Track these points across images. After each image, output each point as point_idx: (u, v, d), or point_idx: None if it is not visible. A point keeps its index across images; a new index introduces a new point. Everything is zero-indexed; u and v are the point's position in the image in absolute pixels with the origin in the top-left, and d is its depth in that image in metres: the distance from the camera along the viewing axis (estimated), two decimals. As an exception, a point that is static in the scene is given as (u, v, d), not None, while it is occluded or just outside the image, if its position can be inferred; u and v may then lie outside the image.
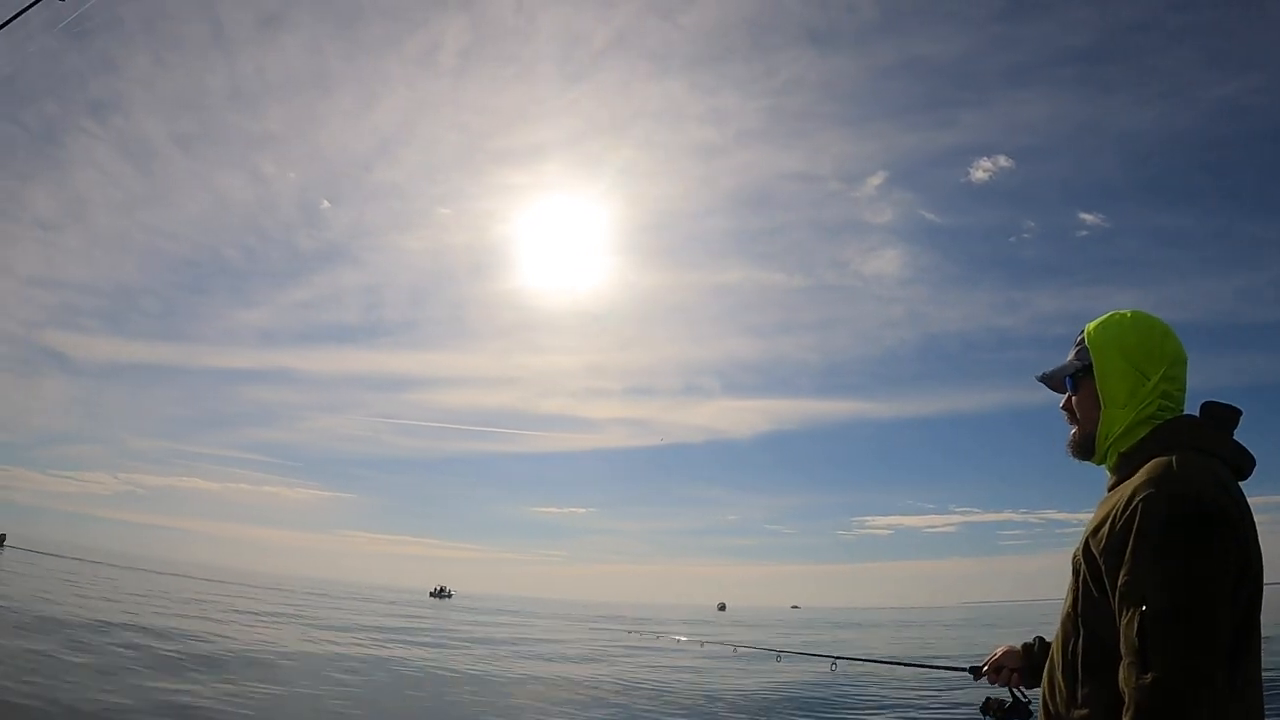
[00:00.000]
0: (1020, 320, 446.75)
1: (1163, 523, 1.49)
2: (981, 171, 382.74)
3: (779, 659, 5.15)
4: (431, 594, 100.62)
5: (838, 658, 4.14)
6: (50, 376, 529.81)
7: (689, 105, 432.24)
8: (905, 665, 4.09)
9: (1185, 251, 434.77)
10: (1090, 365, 1.86)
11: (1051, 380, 1.98)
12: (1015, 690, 2.33)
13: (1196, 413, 1.76)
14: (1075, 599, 1.68)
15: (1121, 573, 1.52)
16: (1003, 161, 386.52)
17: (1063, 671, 1.70)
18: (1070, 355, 1.94)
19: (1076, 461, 1.92)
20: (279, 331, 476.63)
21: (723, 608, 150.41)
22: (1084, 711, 1.62)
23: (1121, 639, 1.50)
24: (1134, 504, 1.55)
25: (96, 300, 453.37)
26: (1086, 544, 1.66)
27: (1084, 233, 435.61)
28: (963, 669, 2.65)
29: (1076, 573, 1.68)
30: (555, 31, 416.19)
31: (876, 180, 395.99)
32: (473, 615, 52.12)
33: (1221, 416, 1.73)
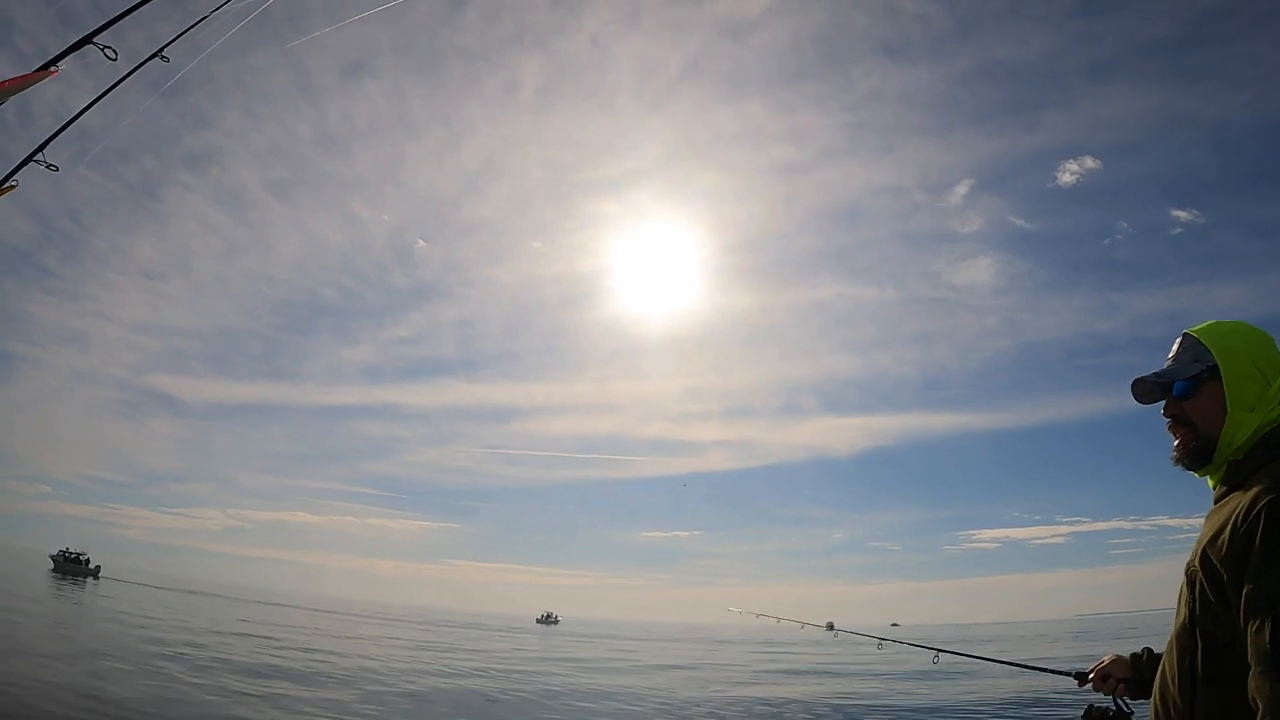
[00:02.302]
0: (1119, 323, 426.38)
1: None
2: (1069, 175, 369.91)
3: (880, 646, 5.02)
4: (538, 620, 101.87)
5: (941, 650, 4.23)
6: (159, 418, 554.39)
7: (768, 125, 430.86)
8: (1010, 664, 3.96)
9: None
10: (1212, 367, 1.79)
11: (1160, 382, 1.87)
12: (1119, 700, 2.32)
13: None
14: (1191, 611, 1.62)
15: (1247, 580, 1.47)
16: (1089, 163, 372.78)
17: (1178, 685, 1.65)
18: (1173, 358, 1.88)
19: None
20: (381, 367, 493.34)
21: (831, 628, 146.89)
22: None
23: (1251, 648, 1.44)
24: (1258, 508, 1.50)
25: (201, 344, 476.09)
26: (1204, 553, 1.60)
27: (1178, 230, 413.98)
28: (1068, 674, 2.65)
29: (1192, 583, 1.62)
30: (630, 63, 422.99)
31: (963, 189, 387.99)
32: (578, 640, 53.75)
33: None
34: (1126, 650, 2.35)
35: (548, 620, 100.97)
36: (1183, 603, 1.68)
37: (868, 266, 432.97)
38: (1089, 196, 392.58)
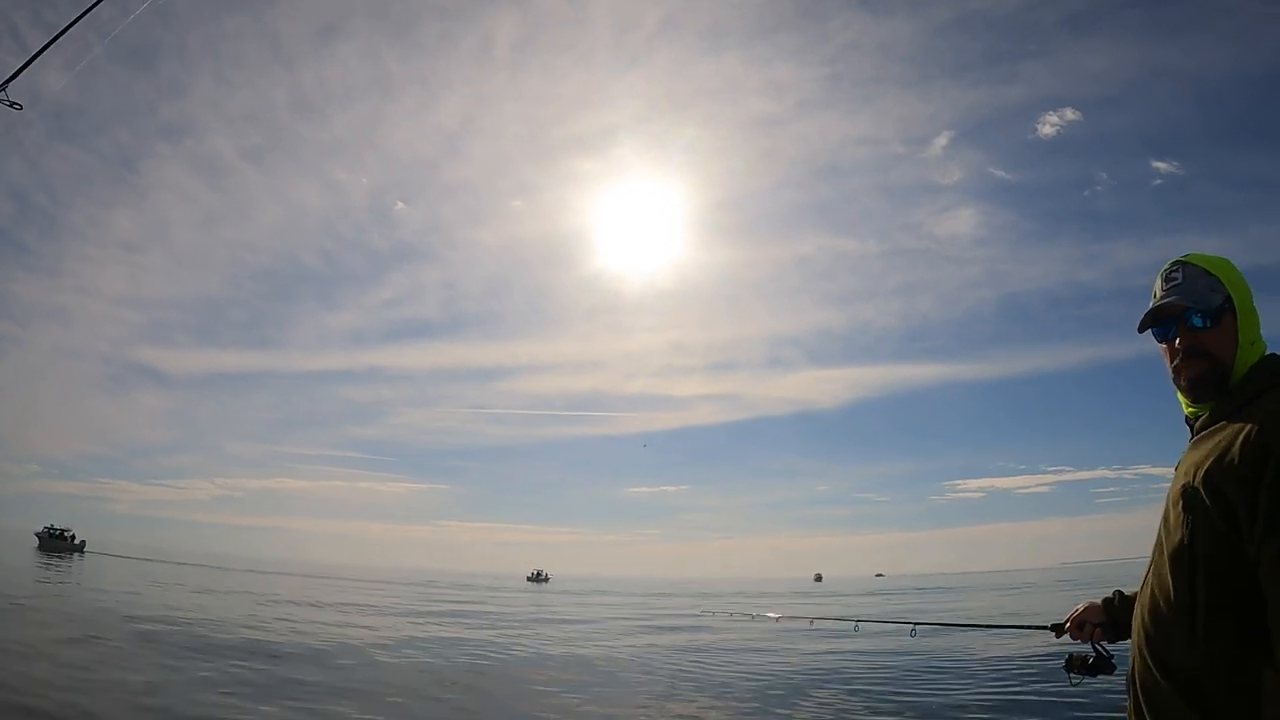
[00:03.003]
0: (1101, 274, 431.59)
1: None
2: (1049, 126, 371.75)
3: (856, 629, 5.00)
4: (529, 579, 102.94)
5: (917, 624, 4.15)
6: (144, 391, 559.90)
7: (746, 79, 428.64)
8: (985, 627, 4.14)
9: (1265, 194, 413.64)
10: (1228, 298, 1.78)
11: (1179, 308, 1.80)
12: (1098, 645, 2.36)
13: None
14: (1190, 533, 1.59)
15: (1265, 500, 1.45)
16: (1070, 114, 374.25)
17: (1173, 607, 1.63)
18: (1181, 287, 1.83)
19: (1182, 407, 1.86)
20: (365, 331, 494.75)
21: (819, 579, 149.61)
22: (1208, 648, 1.55)
23: (1273, 565, 1.43)
24: (1271, 431, 1.50)
25: (184, 315, 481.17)
26: (1207, 475, 1.57)
27: (1159, 181, 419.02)
28: (1044, 627, 2.67)
29: (1191, 506, 1.60)
30: (607, 17, 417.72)
31: (943, 141, 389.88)
32: (570, 597, 53.80)
33: None
34: (1099, 598, 2.37)
35: (538, 578, 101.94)
36: (1176, 526, 1.64)
37: (849, 219, 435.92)
38: (1069, 148, 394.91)
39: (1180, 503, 1.65)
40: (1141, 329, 1.89)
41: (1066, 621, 2.45)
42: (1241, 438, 1.54)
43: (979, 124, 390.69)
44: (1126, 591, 2.26)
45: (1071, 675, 2.45)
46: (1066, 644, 2.45)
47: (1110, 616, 2.31)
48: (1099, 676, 2.41)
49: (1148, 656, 1.71)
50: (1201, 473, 1.60)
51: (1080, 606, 2.41)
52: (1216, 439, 1.64)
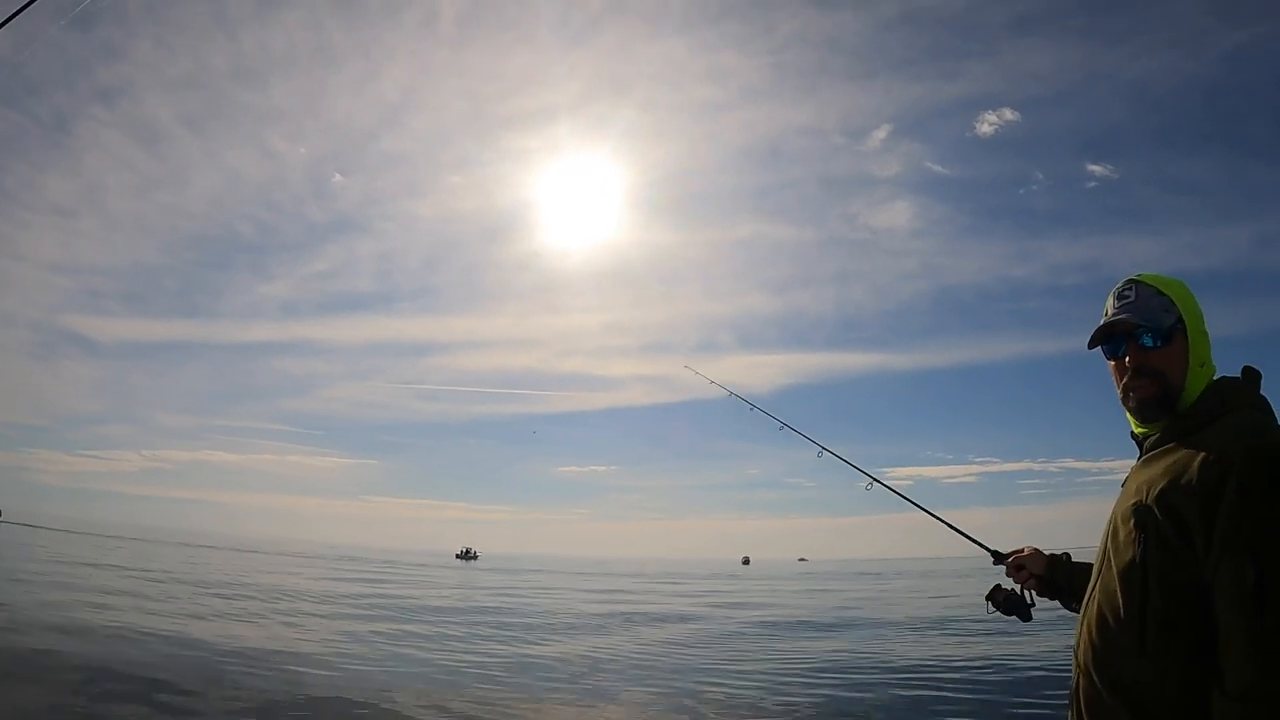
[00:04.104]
0: (1034, 270, 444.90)
1: (1270, 476, 1.48)
2: (987, 125, 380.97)
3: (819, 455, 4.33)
4: (458, 556, 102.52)
5: (874, 479, 3.94)
6: (73, 359, 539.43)
7: (689, 64, 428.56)
8: (939, 519, 3.61)
9: (1198, 199, 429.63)
10: (1180, 319, 1.79)
11: (1129, 326, 1.80)
12: (1026, 591, 2.40)
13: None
14: (1143, 551, 1.60)
15: (1223, 522, 1.48)
16: (1009, 115, 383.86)
17: (1125, 625, 1.63)
18: (1133, 305, 1.82)
19: (1131, 425, 1.87)
20: (298, 303, 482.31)
21: (747, 562, 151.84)
22: (1158, 663, 1.56)
23: (1228, 586, 1.46)
24: (1230, 455, 1.52)
25: (116, 282, 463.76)
26: (1162, 495, 1.59)
27: (1093, 183, 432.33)
28: (988, 550, 2.69)
29: (1143, 524, 1.61)
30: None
31: (882, 134, 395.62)
32: (496, 576, 53.42)
33: (1255, 379, 1.76)
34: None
35: (467, 556, 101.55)
36: (1127, 544, 1.65)
37: (787, 206, 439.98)
38: (1007, 147, 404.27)
39: (1132, 519, 1.65)
40: (1091, 345, 1.87)
41: (1009, 556, 2.48)
42: (1200, 460, 1.56)
43: (919, 119, 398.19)
44: (1075, 559, 2.28)
45: (989, 604, 2.50)
46: (1000, 575, 2.51)
47: (1050, 572, 2.32)
48: (1012, 618, 2.46)
49: (1093, 672, 1.70)
50: (1155, 491, 1.62)
51: (1027, 549, 2.43)
52: (1170, 460, 1.66)
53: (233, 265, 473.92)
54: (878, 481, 3.90)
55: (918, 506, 3.74)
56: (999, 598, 2.46)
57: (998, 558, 2.56)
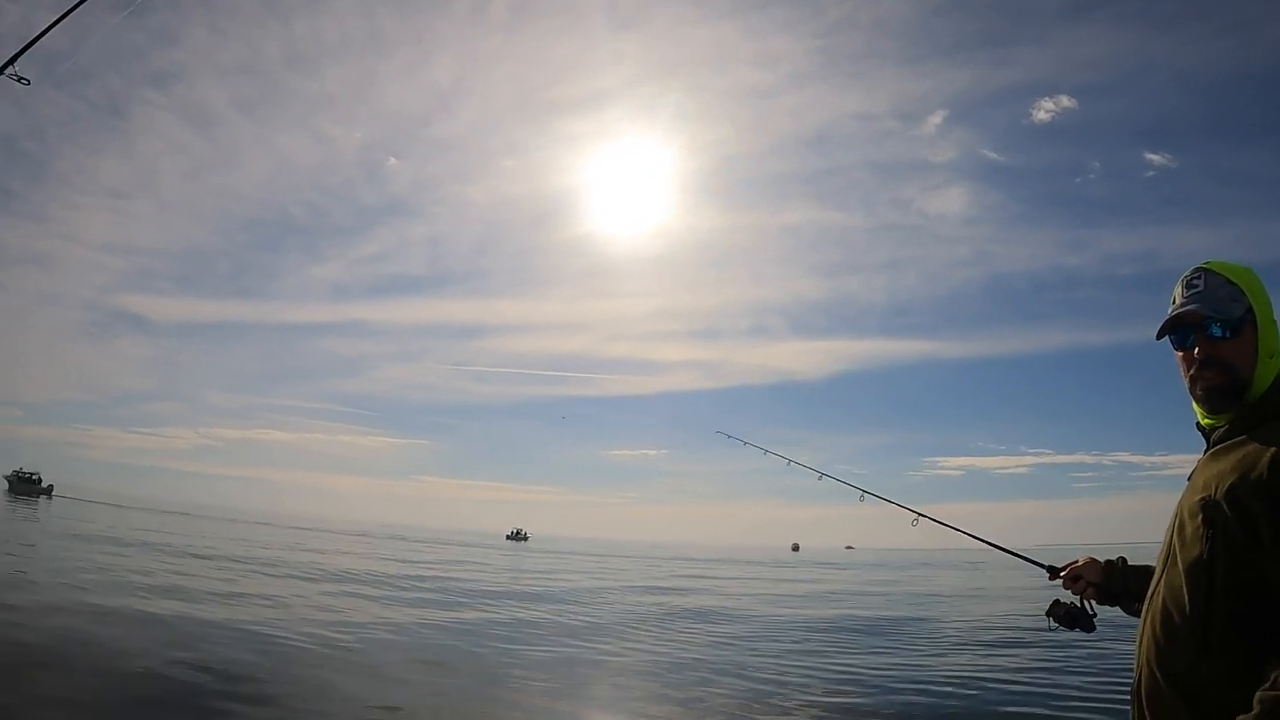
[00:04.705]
0: (1088, 260, 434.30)
1: None
2: (1043, 112, 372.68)
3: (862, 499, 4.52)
4: (508, 537, 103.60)
5: (919, 515, 3.96)
6: (128, 338, 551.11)
7: (738, 48, 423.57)
8: (988, 543, 3.73)
9: (1256, 190, 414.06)
10: (1250, 309, 1.76)
11: (1198, 316, 1.78)
12: (1085, 601, 2.37)
13: None
14: (1208, 548, 1.59)
15: None
16: (1065, 101, 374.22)
17: (1189, 622, 1.61)
18: (1202, 294, 1.79)
19: (1197, 416, 1.85)
20: (349, 285, 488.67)
21: (796, 548, 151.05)
22: (1221, 662, 1.54)
23: None
24: None
25: (169, 263, 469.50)
26: (1231, 490, 1.57)
27: (1150, 173, 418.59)
28: (1042, 565, 2.67)
29: (1211, 520, 1.59)
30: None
31: (936, 119, 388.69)
32: (551, 557, 54.35)
33: None
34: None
35: (518, 537, 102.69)
36: (1194, 540, 1.62)
37: (837, 191, 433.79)
38: (1063, 135, 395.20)
39: (1200, 515, 1.62)
40: (1160, 335, 1.86)
41: (1064, 568, 2.44)
42: (1270, 455, 1.53)
43: (973, 104, 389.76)
44: (1132, 561, 2.26)
45: (1050, 621, 2.47)
46: (1058, 589, 2.46)
47: (1107, 579, 2.28)
48: (1076, 631, 2.43)
49: (1155, 667, 1.69)
50: (1224, 487, 1.59)
51: (1082, 559, 2.40)
52: (1239, 453, 1.62)
53: (285, 247, 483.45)
54: (923, 516, 3.96)
55: (968, 535, 3.77)
56: (1059, 612, 2.44)
57: (1053, 573, 2.53)
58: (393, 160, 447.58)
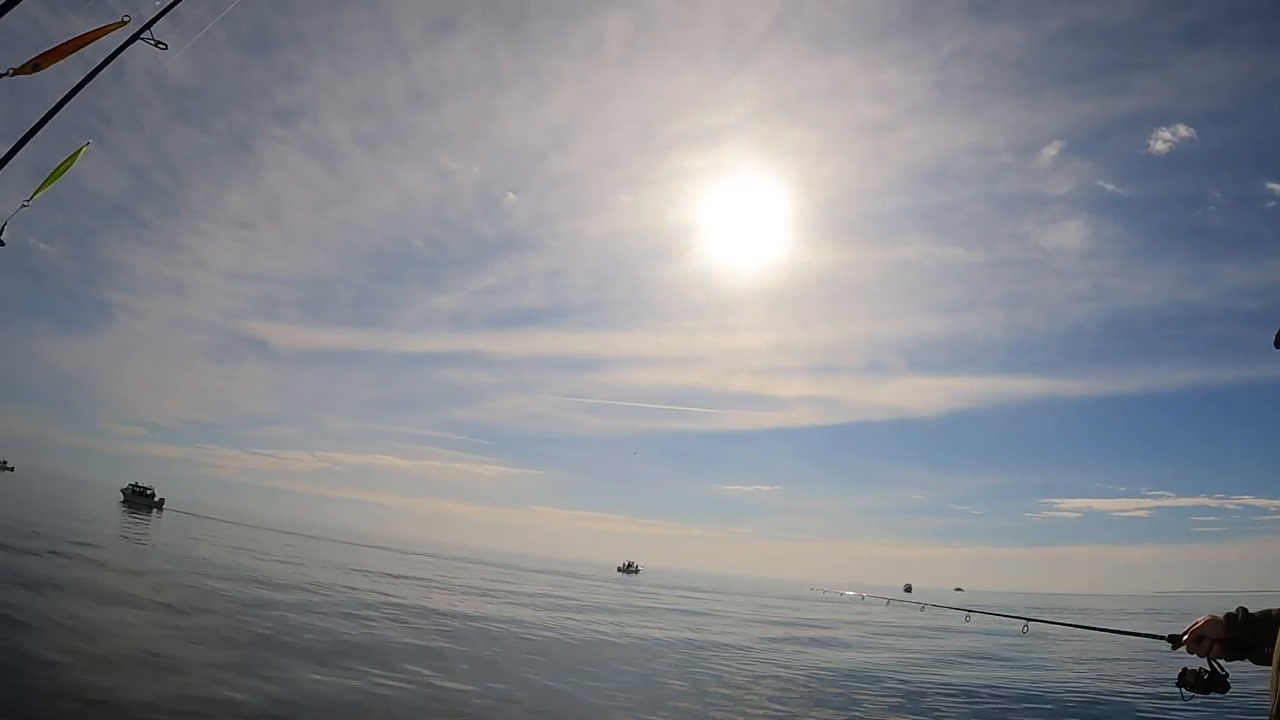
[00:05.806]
0: (1211, 293, 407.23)
1: None
2: (1162, 142, 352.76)
3: (968, 619, 5.04)
4: (620, 569, 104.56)
5: (1029, 620, 4.13)
6: (251, 362, 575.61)
7: (855, 83, 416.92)
8: (1100, 630, 3.73)
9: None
10: None
11: None
12: (1215, 662, 2.29)
13: None
14: None
15: None
16: (1183, 131, 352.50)
17: None
18: None
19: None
20: (468, 315, 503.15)
21: (909, 589, 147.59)
22: None
23: None
24: None
25: (293, 291, 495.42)
26: None
27: (1272, 203, 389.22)
28: (1160, 637, 2.60)
29: None
30: (717, 18, 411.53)
31: (1052, 151, 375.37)
32: (660, 590, 55.85)
33: None
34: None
35: (629, 569, 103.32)
36: None
37: (955, 226, 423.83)
38: (1183, 165, 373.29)
39: None
40: (1278, 343, 1.83)
41: (1185, 633, 2.36)
42: None
43: (1090, 135, 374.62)
44: (1252, 609, 2.22)
45: (1184, 690, 2.39)
46: (1183, 656, 2.39)
47: (1231, 634, 2.21)
48: (1211, 695, 2.35)
49: None
50: None
51: (1201, 619, 2.32)
52: None
53: (405, 278, 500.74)
54: (1034, 620, 4.06)
55: (1079, 626, 3.94)
56: (1190, 680, 2.35)
57: (1175, 642, 2.44)
58: (511, 195, 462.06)
